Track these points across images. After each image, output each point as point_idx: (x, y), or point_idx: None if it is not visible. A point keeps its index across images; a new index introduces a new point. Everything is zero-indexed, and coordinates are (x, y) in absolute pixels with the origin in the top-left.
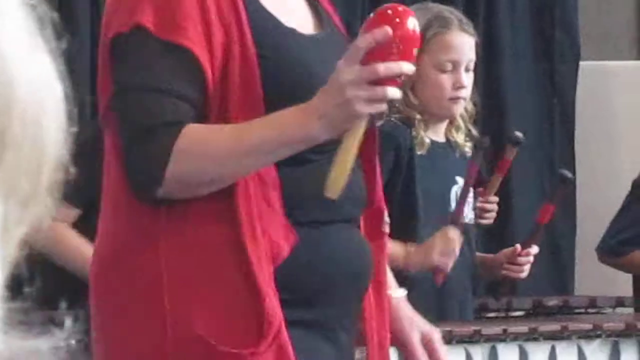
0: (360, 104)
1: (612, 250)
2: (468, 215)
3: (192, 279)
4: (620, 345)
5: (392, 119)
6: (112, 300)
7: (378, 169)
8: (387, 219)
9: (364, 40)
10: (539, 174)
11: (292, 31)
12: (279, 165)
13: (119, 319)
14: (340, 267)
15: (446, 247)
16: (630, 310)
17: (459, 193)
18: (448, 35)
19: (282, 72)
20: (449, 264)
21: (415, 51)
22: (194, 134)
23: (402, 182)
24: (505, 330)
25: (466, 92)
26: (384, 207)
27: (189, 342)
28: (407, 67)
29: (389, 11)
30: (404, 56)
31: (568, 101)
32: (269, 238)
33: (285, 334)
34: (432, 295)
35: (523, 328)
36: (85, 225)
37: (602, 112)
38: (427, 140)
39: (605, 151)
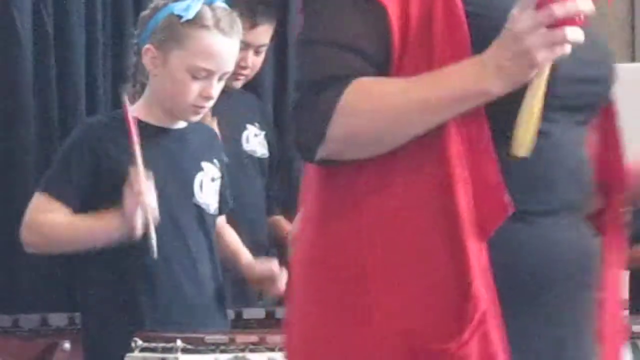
0: (540, 51)
1: None
2: None
3: (398, 264)
4: None
5: None
6: (313, 291)
7: (620, 145)
8: (625, 207)
9: None
10: None
11: None
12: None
13: (321, 311)
14: (554, 264)
15: None
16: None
17: None
18: None
19: (495, 32)
20: None
21: None
22: (359, 89)
23: None
24: None
25: None
26: (621, 194)
27: (394, 336)
28: (584, 4)
29: None
30: None
31: None
32: (481, 208)
33: (491, 319)
34: None
35: None
36: None
37: None
38: None
39: None
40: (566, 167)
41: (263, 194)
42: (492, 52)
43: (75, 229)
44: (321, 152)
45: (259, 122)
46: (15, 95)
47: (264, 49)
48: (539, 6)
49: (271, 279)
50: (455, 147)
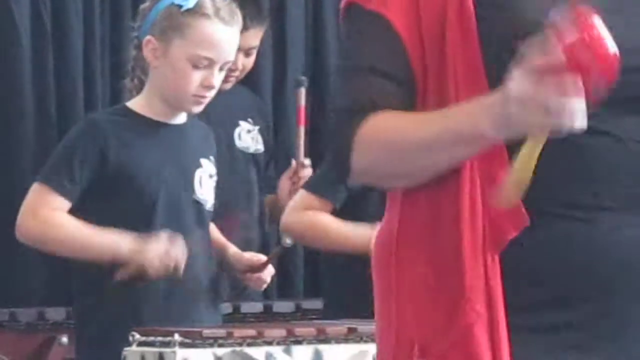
0: (521, 122)
1: None
2: None
3: (413, 275)
4: None
5: None
6: (375, 297)
7: None
8: None
9: (537, 58)
10: None
11: None
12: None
13: (376, 317)
14: (603, 264)
15: None
16: None
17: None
18: None
19: (506, 38)
20: None
21: (595, 79)
22: (376, 124)
23: None
24: None
25: None
26: None
27: (407, 346)
28: (575, 99)
29: (580, 21)
30: (585, 83)
31: None
32: (491, 220)
33: (475, 332)
34: None
35: None
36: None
37: None
38: None
39: None
40: (618, 162)
41: (255, 191)
42: (492, 100)
43: (82, 237)
44: (352, 182)
45: (252, 117)
46: (14, 91)
47: (254, 51)
48: (540, 72)
49: (257, 271)
50: (469, 161)
